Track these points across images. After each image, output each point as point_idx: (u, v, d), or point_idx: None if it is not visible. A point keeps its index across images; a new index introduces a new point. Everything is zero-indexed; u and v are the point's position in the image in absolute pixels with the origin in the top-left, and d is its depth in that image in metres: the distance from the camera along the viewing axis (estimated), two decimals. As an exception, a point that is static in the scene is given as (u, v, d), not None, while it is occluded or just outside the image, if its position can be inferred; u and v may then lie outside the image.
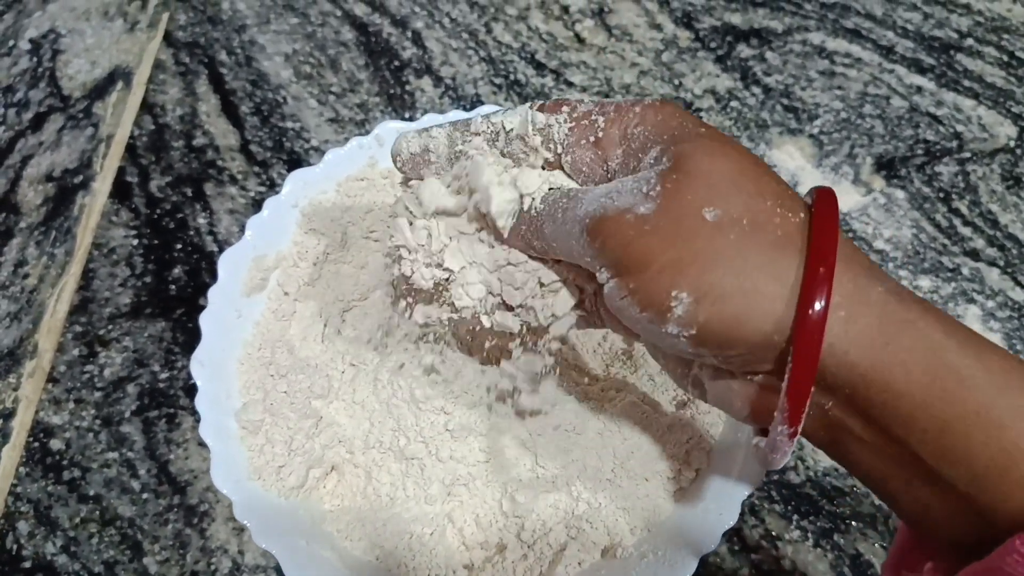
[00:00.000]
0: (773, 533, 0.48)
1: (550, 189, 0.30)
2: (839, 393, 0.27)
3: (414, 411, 0.42)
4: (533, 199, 0.30)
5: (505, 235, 0.31)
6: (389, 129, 0.46)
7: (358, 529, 0.41)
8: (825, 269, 0.25)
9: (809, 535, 0.48)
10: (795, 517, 0.48)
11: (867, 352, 0.26)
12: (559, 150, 0.31)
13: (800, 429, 0.27)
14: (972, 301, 0.55)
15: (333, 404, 0.44)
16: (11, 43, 0.66)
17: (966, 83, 0.64)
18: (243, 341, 0.44)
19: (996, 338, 0.54)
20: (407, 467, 0.42)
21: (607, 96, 0.63)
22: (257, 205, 0.57)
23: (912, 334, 0.26)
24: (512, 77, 0.64)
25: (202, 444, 0.50)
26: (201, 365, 0.41)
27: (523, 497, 0.41)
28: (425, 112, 0.58)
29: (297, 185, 0.46)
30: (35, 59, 0.65)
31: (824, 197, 0.27)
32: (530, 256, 0.31)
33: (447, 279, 0.33)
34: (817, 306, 0.25)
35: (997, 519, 0.25)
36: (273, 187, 0.58)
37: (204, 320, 0.42)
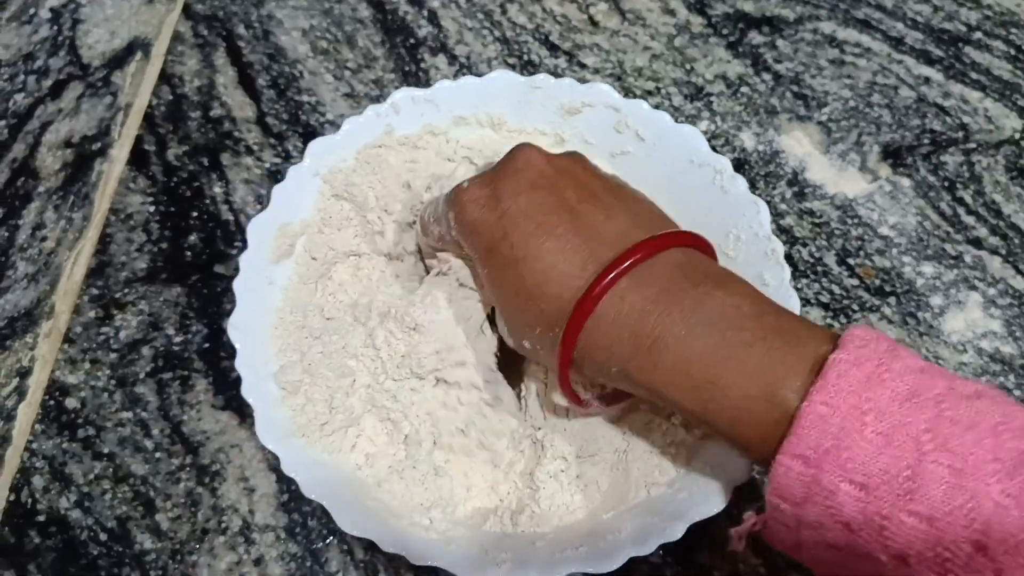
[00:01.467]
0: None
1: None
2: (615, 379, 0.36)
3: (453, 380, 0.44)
4: None
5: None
6: (404, 97, 0.47)
7: (398, 481, 0.43)
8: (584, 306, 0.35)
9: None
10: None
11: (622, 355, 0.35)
12: None
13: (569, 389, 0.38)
14: (974, 288, 0.56)
15: (366, 362, 0.45)
16: (32, 11, 0.67)
17: (974, 75, 0.65)
18: (275, 307, 0.45)
19: (996, 325, 0.55)
20: (445, 417, 0.44)
21: (619, 79, 0.64)
22: (272, 176, 0.58)
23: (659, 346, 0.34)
24: (526, 58, 0.65)
25: (215, 407, 0.51)
26: (237, 330, 0.43)
27: (565, 440, 0.44)
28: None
29: (318, 154, 0.47)
30: (55, 28, 0.66)
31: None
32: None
33: None
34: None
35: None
36: (288, 159, 0.59)
37: (238, 286, 0.43)
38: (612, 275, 0.34)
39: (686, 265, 0.35)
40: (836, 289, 0.55)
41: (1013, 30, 0.67)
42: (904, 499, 0.28)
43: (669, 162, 0.47)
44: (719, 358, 0.33)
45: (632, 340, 0.34)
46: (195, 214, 0.57)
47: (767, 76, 0.64)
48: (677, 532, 0.39)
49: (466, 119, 0.48)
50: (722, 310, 0.34)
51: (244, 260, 0.44)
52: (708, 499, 0.40)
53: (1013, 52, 0.66)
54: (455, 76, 0.63)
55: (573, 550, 0.39)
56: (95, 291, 0.55)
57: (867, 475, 0.28)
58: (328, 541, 0.47)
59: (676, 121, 0.61)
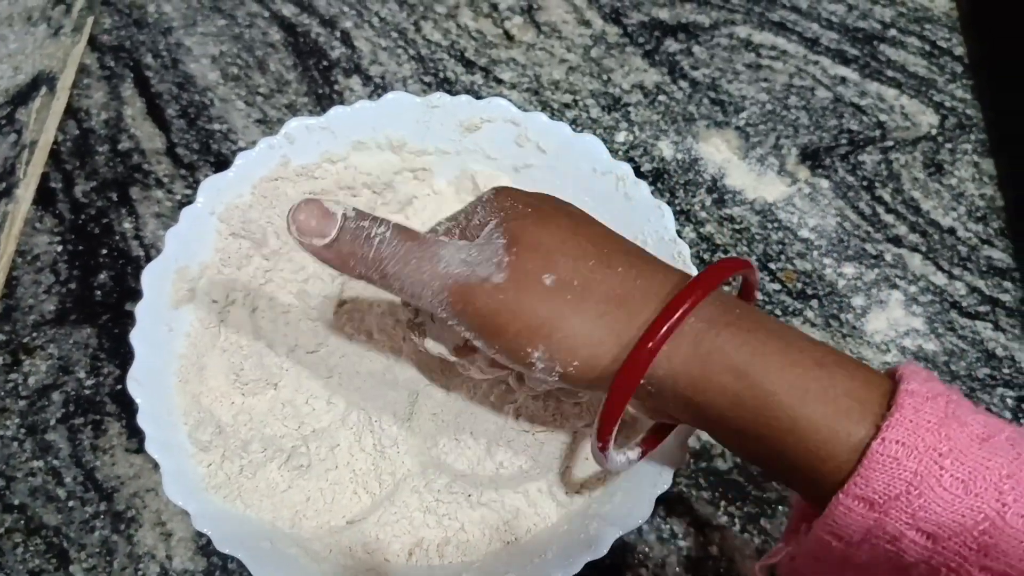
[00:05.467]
0: (701, 519, 0.49)
1: (395, 226, 0.33)
2: (678, 411, 0.32)
3: (362, 408, 0.44)
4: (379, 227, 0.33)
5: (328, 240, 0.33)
6: (298, 126, 0.46)
7: (325, 525, 0.42)
8: (653, 345, 0.30)
9: (736, 521, 0.49)
10: (722, 503, 0.49)
11: (688, 383, 0.31)
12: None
13: (609, 444, 0.33)
14: (895, 287, 0.56)
15: (281, 408, 0.44)
16: (-68, 49, 0.65)
17: (889, 73, 0.65)
18: (178, 354, 0.44)
19: (918, 323, 0.55)
20: (362, 461, 0.43)
21: (536, 93, 0.63)
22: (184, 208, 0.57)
23: (721, 361, 0.30)
24: (442, 75, 0.64)
25: (129, 450, 0.49)
26: (138, 383, 0.41)
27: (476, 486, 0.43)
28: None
29: (211, 193, 0.45)
30: (-44, 65, 0.64)
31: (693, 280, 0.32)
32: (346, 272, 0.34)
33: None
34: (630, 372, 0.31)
35: (824, 493, 0.29)
36: (200, 190, 0.58)
37: (135, 338, 0.42)
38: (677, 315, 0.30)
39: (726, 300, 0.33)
40: (758, 295, 0.55)
41: (927, 25, 0.68)
42: (978, 554, 0.26)
43: (572, 172, 0.47)
44: (793, 368, 0.29)
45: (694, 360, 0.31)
46: (104, 251, 0.56)
47: (684, 83, 0.64)
48: (602, 549, 0.39)
49: (365, 143, 0.47)
50: (782, 328, 0.31)
51: (140, 310, 0.42)
52: (632, 511, 0.40)
53: (928, 48, 0.67)
54: (370, 97, 0.62)
55: None
56: (2, 336, 0.53)
57: (939, 525, 0.26)
58: (248, 583, 0.46)
59: (594, 133, 0.61)
